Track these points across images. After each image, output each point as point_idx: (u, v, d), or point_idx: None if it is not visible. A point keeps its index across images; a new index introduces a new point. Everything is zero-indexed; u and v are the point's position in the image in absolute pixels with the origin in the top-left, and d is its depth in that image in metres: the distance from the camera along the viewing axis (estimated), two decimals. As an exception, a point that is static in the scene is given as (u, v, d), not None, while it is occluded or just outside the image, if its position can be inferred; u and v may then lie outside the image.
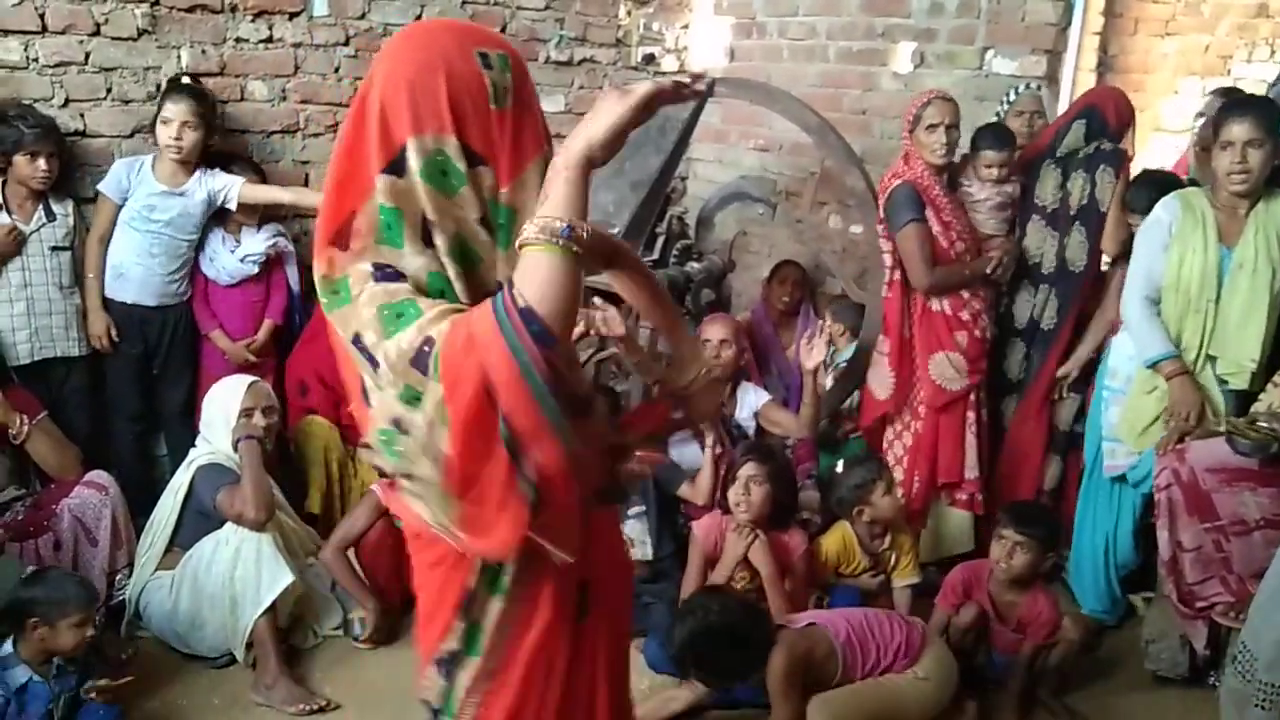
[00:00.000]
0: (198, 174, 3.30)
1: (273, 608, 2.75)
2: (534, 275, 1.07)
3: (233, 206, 3.35)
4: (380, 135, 1.17)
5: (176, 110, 3.19)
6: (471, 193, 1.18)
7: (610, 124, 1.13)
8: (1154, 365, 2.98)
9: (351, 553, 3.08)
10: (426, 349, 1.09)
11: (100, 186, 3.24)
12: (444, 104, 1.16)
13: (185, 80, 3.34)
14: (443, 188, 1.17)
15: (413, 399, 1.11)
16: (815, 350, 3.23)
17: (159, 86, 3.36)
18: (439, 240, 1.18)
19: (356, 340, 1.15)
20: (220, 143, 3.45)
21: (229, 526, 2.81)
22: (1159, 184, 3.22)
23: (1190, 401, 2.92)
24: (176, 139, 3.19)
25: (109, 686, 2.45)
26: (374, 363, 1.14)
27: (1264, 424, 2.76)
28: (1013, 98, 3.68)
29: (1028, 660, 2.78)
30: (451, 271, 1.18)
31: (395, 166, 1.17)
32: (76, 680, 2.42)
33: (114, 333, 3.27)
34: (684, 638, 2.56)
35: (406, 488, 1.24)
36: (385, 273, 1.16)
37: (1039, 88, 3.71)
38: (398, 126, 1.16)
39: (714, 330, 3.48)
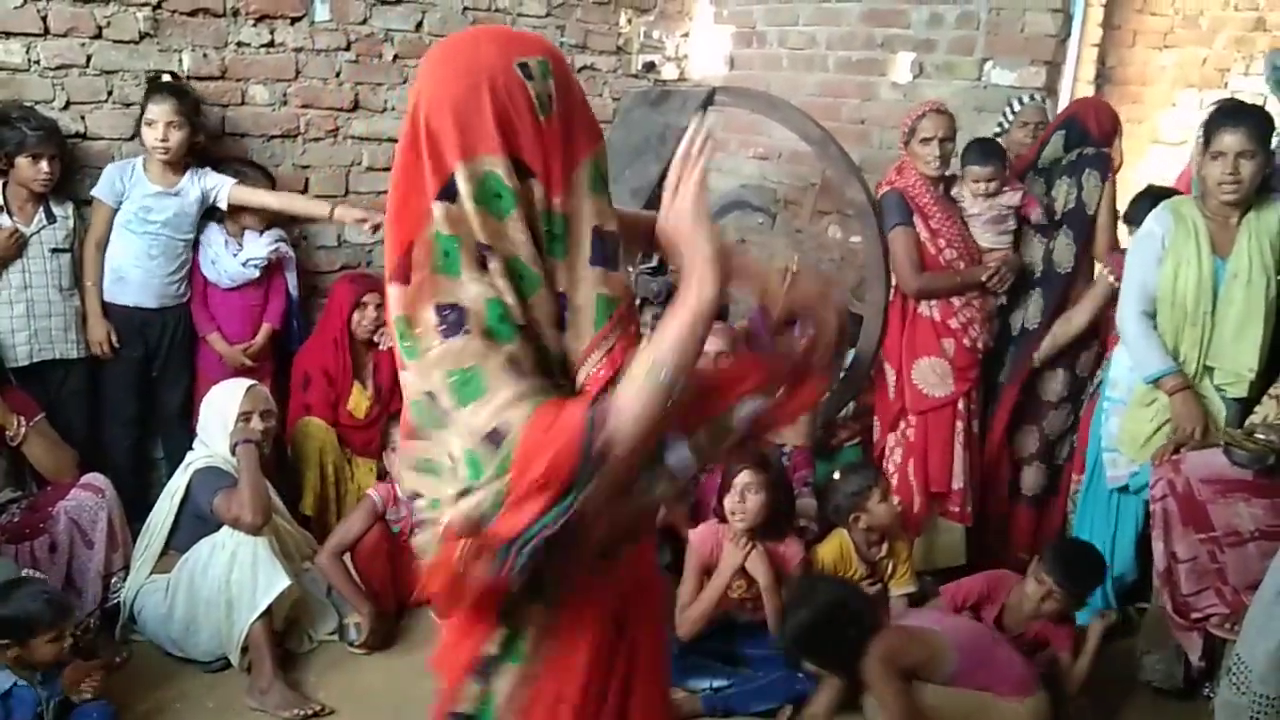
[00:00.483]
0: (189, 173, 3.30)
1: (268, 612, 2.74)
2: (629, 405, 1.08)
3: (223, 205, 3.35)
4: (432, 161, 1.15)
5: (160, 111, 3.18)
6: (522, 212, 1.16)
7: (714, 253, 1.14)
8: (1155, 381, 2.98)
9: (347, 557, 3.07)
10: (500, 433, 1.08)
11: (94, 192, 3.23)
12: (490, 124, 1.14)
13: (166, 79, 3.31)
14: (495, 211, 1.15)
15: (474, 464, 1.10)
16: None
17: (159, 89, 3.33)
18: (493, 264, 1.15)
19: (430, 397, 1.14)
20: (207, 143, 3.41)
21: (225, 530, 2.81)
22: (1160, 199, 3.22)
23: (1194, 416, 2.91)
24: (163, 140, 3.18)
25: (89, 668, 2.45)
26: (445, 422, 1.13)
27: (1261, 436, 2.77)
28: (1016, 109, 3.68)
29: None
30: (509, 297, 1.15)
31: (447, 192, 1.14)
32: (65, 683, 2.42)
33: (114, 338, 3.27)
34: (798, 624, 2.59)
35: (418, 505, 1.25)
36: (447, 318, 1.13)
37: (1043, 99, 3.72)
38: (448, 151, 1.14)
39: (711, 342, 3.47)
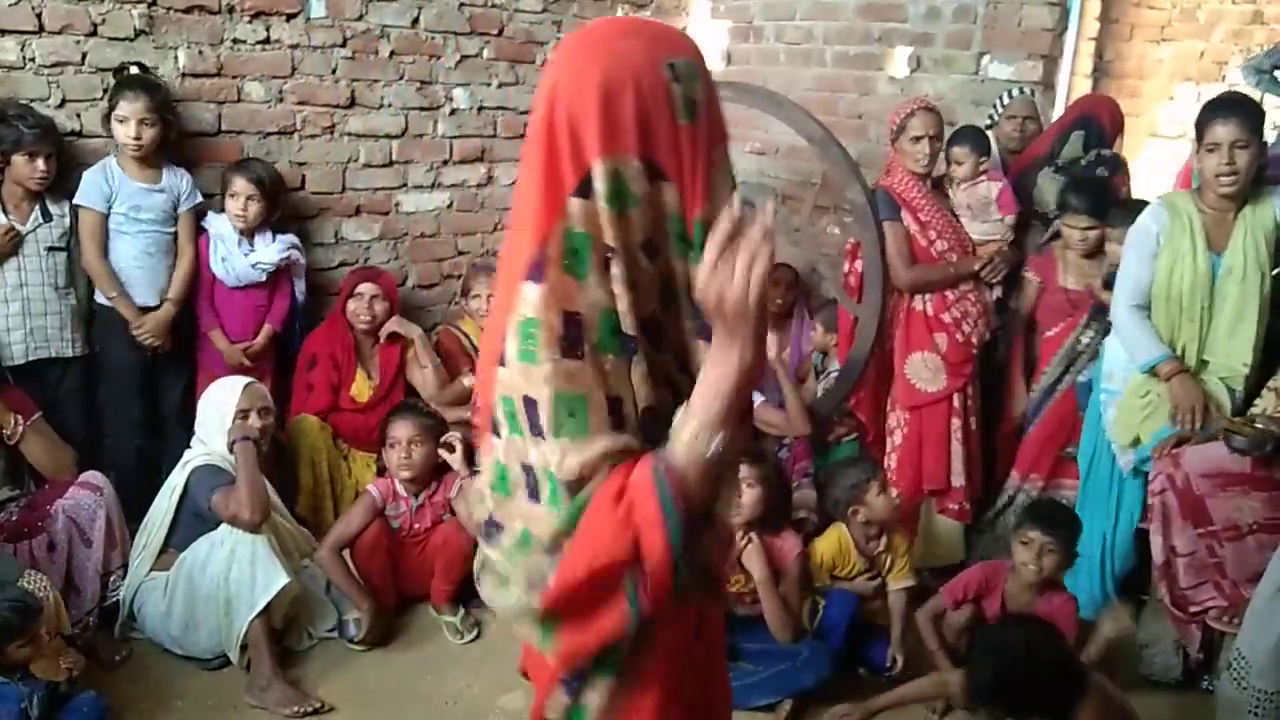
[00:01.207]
0: (167, 169, 3.29)
1: (267, 609, 2.74)
2: (690, 474, 1.07)
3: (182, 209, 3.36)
4: (571, 155, 1.12)
5: (132, 109, 3.14)
6: (646, 213, 1.14)
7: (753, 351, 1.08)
8: (1151, 370, 2.98)
9: (346, 553, 3.07)
10: (577, 485, 1.10)
11: (79, 200, 3.17)
12: (630, 122, 1.11)
13: (134, 71, 3.26)
14: (622, 211, 1.13)
15: (555, 496, 1.11)
16: (777, 340, 3.29)
17: (129, 83, 3.26)
18: (616, 269, 1.13)
19: (528, 403, 1.12)
20: (170, 133, 3.32)
21: (224, 528, 2.81)
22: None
23: (1193, 396, 2.92)
24: (135, 137, 3.15)
25: (54, 650, 2.45)
26: (536, 433, 1.12)
27: (1260, 424, 2.77)
28: (1006, 101, 3.70)
29: None
30: (624, 304, 1.14)
31: (583, 188, 1.12)
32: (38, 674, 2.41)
33: (159, 334, 3.29)
34: (990, 675, 2.24)
35: (491, 559, 1.23)
36: (570, 333, 1.11)
37: (1032, 92, 3.73)
38: (588, 146, 1.11)
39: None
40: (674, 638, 1.30)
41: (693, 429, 1.08)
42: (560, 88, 1.13)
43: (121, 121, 3.16)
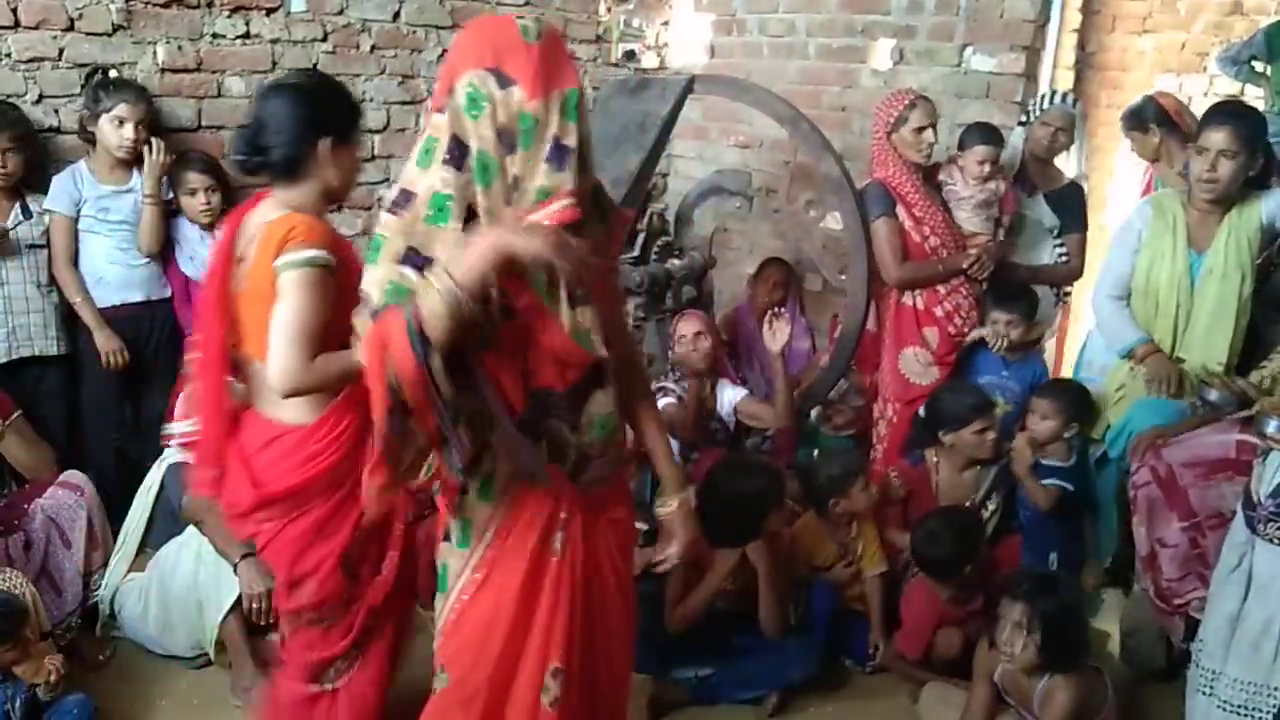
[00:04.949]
0: (135, 171, 3.24)
1: (240, 608, 2.69)
2: (428, 313, 1.43)
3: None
4: (440, 87, 1.52)
5: (133, 111, 3.12)
6: (495, 114, 1.47)
7: (517, 249, 1.45)
8: (1129, 354, 3.02)
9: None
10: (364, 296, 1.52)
11: (48, 205, 3.13)
12: (484, 46, 1.48)
13: (113, 74, 3.24)
14: (472, 113, 1.47)
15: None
16: (778, 334, 3.32)
17: (119, 85, 3.23)
18: (467, 160, 1.49)
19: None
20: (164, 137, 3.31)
21: (191, 530, 2.80)
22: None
23: (1167, 368, 2.98)
24: (133, 140, 3.13)
25: (41, 652, 2.43)
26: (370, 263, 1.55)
27: (1241, 383, 2.81)
28: (1045, 106, 3.59)
29: None
30: (457, 192, 1.50)
31: (443, 107, 1.50)
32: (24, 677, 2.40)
33: (123, 346, 3.23)
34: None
35: None
36: (397, 200, 1.53)
37: (1075, 102, 3.64)
38: (451, 74, 1.49)
39: (688, 324, 3.51)
40: (531, 540, 1.66)
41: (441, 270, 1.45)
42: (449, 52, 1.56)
43: (119, 124, 3.12)
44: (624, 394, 1.76)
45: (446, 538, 1.74)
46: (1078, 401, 3.13)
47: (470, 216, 1.51)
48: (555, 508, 1.68)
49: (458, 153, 1.49)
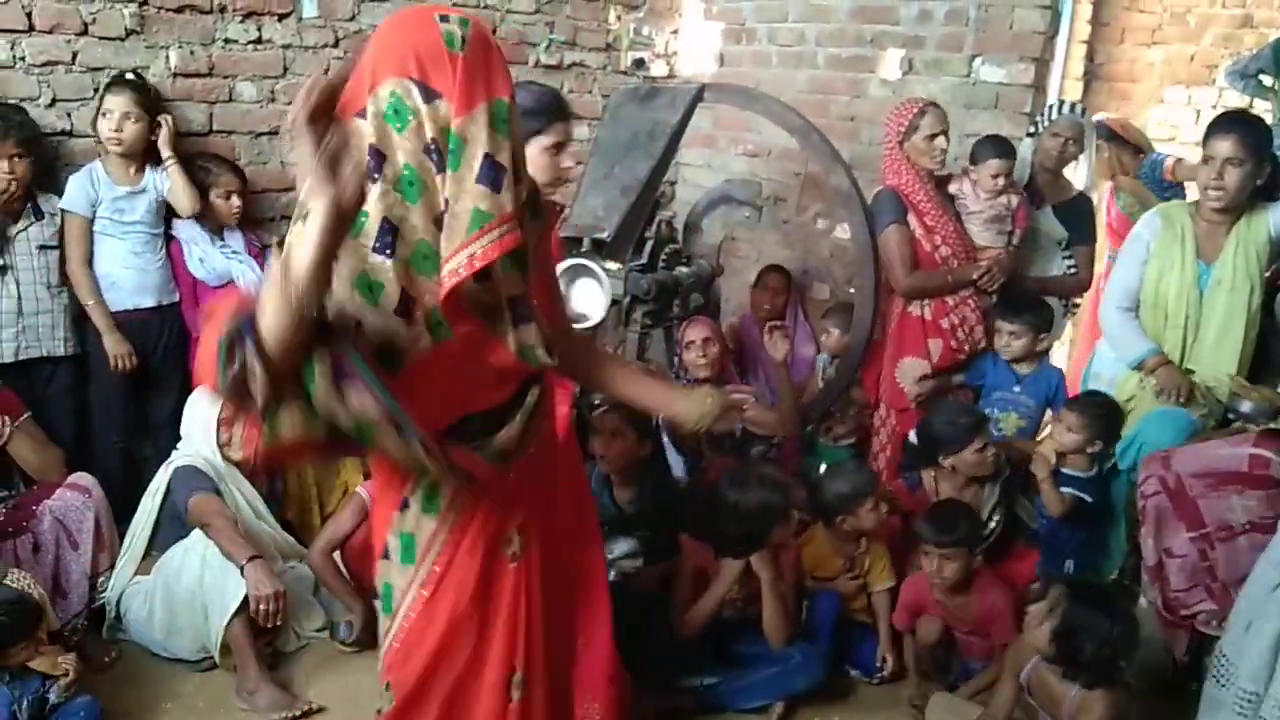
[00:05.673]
0: (149, 171, 3.27)
1: (245, 611, 2.70)
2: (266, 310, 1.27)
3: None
4: (355, 89, 1.40)
5: (117, 102, 3.15)
6: (420, 127, 1.39)
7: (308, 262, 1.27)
8: (1139, 365, 3.01)
9: (337, 555, 3.06)
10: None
11: (63, 205, 3.16)
12: (407, 54, 1.38)
13: (129, 76, 3.28)
14: (395, 125, 1.39)
15: None
16: (778, 343, 3.35)
17: (120, 84, 3.26)
18: (388, 170, 1.40)
19: None
20: (155, 133, 3.30)
21: (196, 533, 2.80)
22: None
23: (1177, 380, 2.97)
24: (116, 130, 3.15)
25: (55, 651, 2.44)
26: None
27: (1267, 391, 2.80)
28: (1054, 116, 3.58)
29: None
30: (384, 199, 1.40)
31: (362, 113, 1.39)
32: (40, 680, 2.40)
33: (132, 351, 3.24)
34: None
35: None
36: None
37: (1083, 112, 3.63)
38: (372, 81, 1.39)
39: (696, 331, 3.53)
40: (482, 547, 1.60)
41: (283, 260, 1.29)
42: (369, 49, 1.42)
43: (105, 115, 3.16)
44: (581, 372, 1.74)
45: (385, 556, 1.63)
46: (1108, 420, 3.06)
47: (389, 230, 1.41)
48: (508, 510, 1.63)
49: (375, 163, 1.39)
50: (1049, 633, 2.35)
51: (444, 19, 1.40)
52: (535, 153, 2.12)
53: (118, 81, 3.22)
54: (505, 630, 1.64)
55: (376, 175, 1.39)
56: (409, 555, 1.60)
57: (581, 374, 1.79)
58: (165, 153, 3.26)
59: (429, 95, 1.38)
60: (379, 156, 1.39)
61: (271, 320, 1.24)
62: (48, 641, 2.46)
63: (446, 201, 1.40)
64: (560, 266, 2.39)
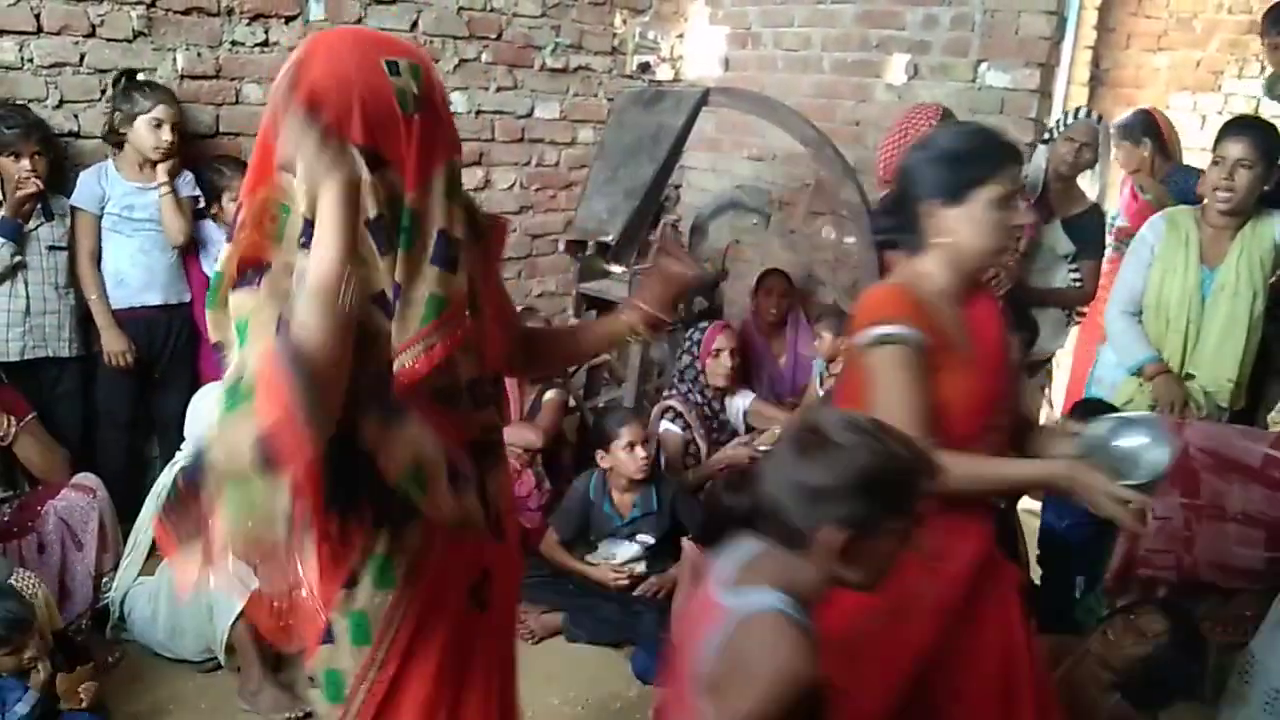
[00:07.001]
0: (159, 170, 3.26)
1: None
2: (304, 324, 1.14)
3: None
4: (285, 135, 1.18)
5: (168, 113, 3.17)
6: (367, 197, 1.21)
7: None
8: (1138, 371, 3.03)
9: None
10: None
11: (74, 202, 3.18)
12: (355, 114, 1.19)
13: (141, 77, 3.28)
14: None
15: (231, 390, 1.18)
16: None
17: (152, 88, 3.29)
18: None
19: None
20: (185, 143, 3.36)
21: None
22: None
23: (1174, 393, 2.98)
24: (170, 141, 3.18)
25: (82, 676, 2.44)
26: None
27: None
28: (1069, 121, 3.54)
29: None
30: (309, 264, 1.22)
31: (292, 165, 1.21)
32: (47, 677, 2.40)
33: (131, 349, 3.25)
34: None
35: None
36: (246, 275, 1.23)
37: (1099, 118, 3.60)
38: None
39: (723, 339, 3.62)
40: (447, 606, 1.40)
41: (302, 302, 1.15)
42: (296, 80, 1.20)
43: (157, 125, 3.16)
44: (542, 364, 1.68)
45: (328, 639, 1.39)
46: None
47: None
48: (477, 561, 1.46)
49: (306, 238, 1.20)
50: (1131, 658, 2.30)
51: (393, 69, 1.22)
52: (979, 210, 1.69)
53: (155, 88, 3.21)
54: (481, 682, 1.49)
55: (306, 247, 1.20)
56: (363, 635, 1.38)
57: (543, 365, 1.69)
58: (161, 177, 3.23)
59: (376, 163, 1.20)
60: (310, 229, 1.19)
61: (315, 334, 1.12)
62: (47, 646, 2.45)
63: (397, 286, 1.24)
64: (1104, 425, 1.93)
